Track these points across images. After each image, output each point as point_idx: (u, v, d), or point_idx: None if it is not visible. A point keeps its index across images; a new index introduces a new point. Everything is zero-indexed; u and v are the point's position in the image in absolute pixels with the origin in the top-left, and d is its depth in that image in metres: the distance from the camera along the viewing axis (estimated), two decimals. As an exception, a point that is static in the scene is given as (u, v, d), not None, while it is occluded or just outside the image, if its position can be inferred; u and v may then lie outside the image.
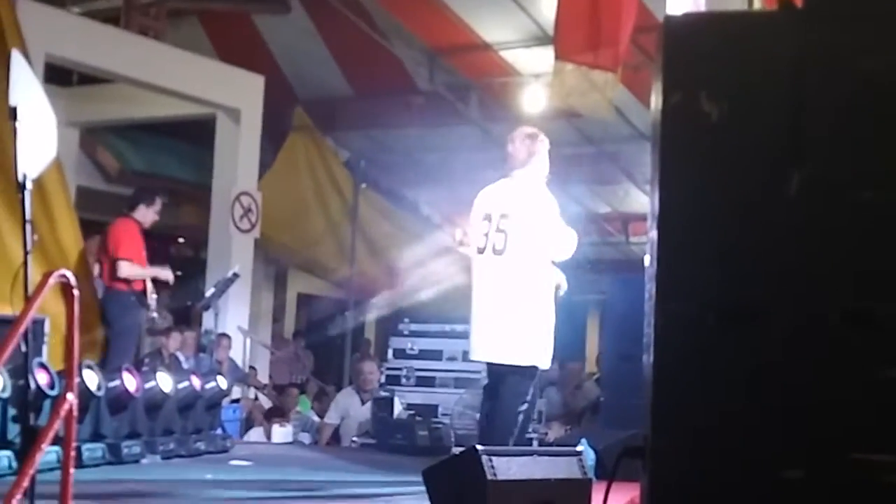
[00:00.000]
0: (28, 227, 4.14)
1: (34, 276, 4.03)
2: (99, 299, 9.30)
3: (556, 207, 6.45)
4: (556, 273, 6.49)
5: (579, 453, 5.28)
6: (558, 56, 8.15)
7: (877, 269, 2.39)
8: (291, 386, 12.53)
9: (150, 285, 9.08)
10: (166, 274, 9.39)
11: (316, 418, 11.18)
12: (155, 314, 9.32)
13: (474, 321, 6.50)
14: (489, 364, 6.57)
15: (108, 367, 7.65)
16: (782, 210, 2.44)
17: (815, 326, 2.39)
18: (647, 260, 2.63)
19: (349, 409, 10.34)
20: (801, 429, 2.37)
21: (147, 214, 9.21)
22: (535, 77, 12.06)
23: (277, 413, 10.71)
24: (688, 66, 2.55)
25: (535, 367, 6.38)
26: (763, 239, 2.45)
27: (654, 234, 2.56)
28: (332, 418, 10.47)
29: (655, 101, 2.62)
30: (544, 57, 10.63)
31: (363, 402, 10.28)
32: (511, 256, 6.35)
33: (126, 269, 8.95)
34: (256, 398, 12.09)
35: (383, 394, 10.44)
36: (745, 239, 2.46)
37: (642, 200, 14.69)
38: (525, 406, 6.31)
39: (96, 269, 9.26)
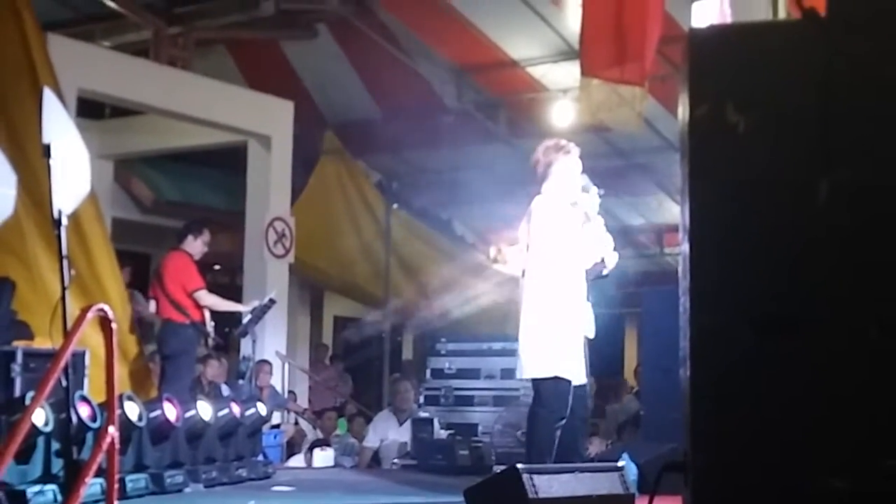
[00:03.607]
0: (65, 262, 4.18)
1: (73, 309, 4.07)
2: (138, 329, 9.41)
3: (577, 215, 6.43)
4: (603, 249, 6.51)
5: (621, 468, 5.26)
6: (584, 72, 8.14)
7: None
8: (330, 410, 12.53)
9: (207, 315, 9.25)
10: (243, 307, 9.98)
11: (353, 440, 11.18)
12: (212, 340, 9.70)
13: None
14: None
15: (166, 393, 7.74)
16: (812, 219, 2.43)
17: (851, 338, 2.37)
18: (680, 272, 2.62)
19: (388, 431, 10.33)
20: (841, 440, 2.35)
21: (196, 245, 9.42)
22: (563, 92, 12.07)
23: (321, 444, 10.70)
24: (714, 77, 2.54)
25: (557, 379, 6.16)
26: (794, 249, 2.43)
27: (685, 247, 2.55)
28: (370, 441, 10.46)
29: (682, 112, 2.61)
30: (571, 72, 10.63)
31: (400, 423, 10.28)
32: (529, 271, 6.36)
33: (207, 299, 9.31)
34: (297, 423, 12.11)
35: (423, 415, 10.42)
36: (777, 249, 2.45)
37: (675, 211, 14.64)
38: (562, 421, 6.15)
39: (152, 305, 9.41)
